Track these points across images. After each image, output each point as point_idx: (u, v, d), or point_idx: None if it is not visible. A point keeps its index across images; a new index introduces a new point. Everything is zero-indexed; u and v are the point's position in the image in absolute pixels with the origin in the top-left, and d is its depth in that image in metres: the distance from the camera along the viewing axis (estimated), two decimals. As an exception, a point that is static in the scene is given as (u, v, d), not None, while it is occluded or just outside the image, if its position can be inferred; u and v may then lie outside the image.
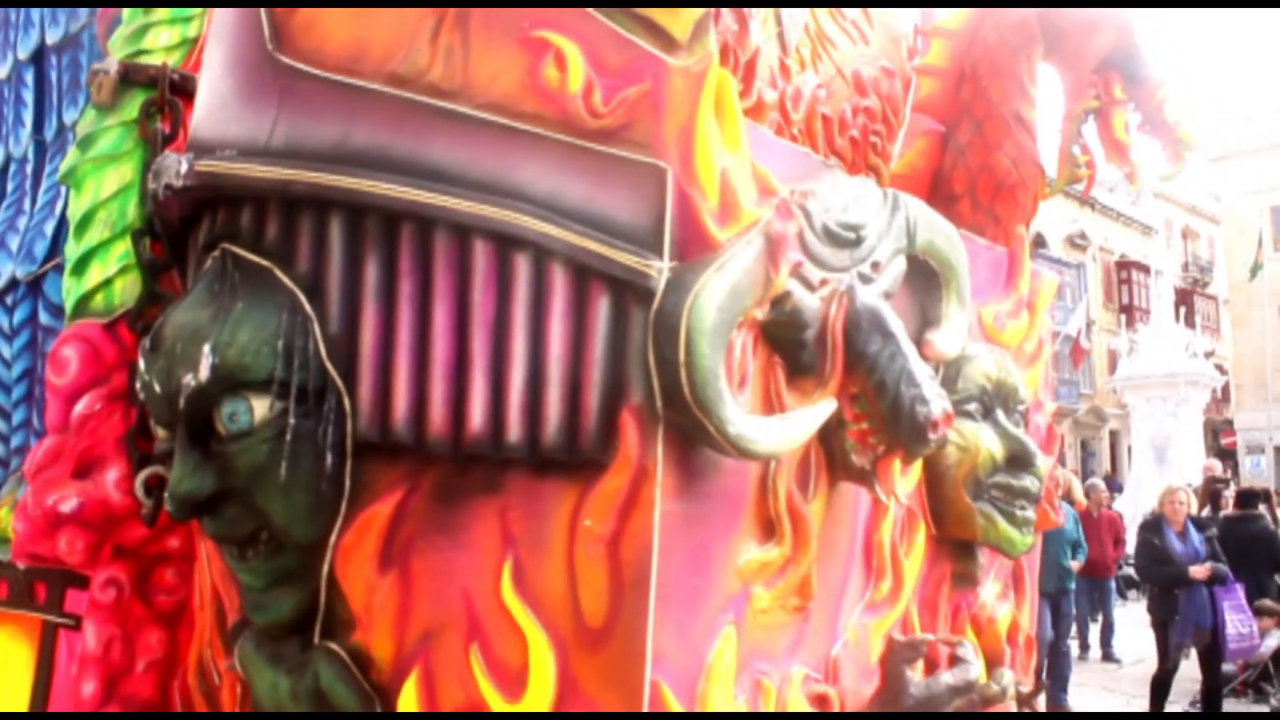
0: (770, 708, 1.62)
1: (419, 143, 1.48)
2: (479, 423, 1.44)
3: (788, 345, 1.62)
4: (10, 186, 2.53)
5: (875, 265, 1.76)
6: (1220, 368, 21.20)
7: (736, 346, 1.49)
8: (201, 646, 1.91)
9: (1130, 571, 11.16)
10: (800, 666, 1.71)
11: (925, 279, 2.01)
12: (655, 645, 1.40)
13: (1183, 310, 18.55)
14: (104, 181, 2.08)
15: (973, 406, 2.16)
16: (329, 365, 1.50)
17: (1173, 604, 6.51)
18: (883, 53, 2.55)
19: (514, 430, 1.43)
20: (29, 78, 2.50)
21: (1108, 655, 8.40)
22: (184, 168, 1.58)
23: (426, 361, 1.46)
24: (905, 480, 2.04)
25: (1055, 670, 6.87)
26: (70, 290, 2.08)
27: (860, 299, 1.68)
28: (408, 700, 1.51)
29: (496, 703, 1.46)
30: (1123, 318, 22.28)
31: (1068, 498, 7.63)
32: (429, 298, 1.47)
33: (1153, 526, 6.91)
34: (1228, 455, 20.74)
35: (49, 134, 2.47)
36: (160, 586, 2.03)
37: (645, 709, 1.39)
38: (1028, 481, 2.16)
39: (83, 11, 2.39)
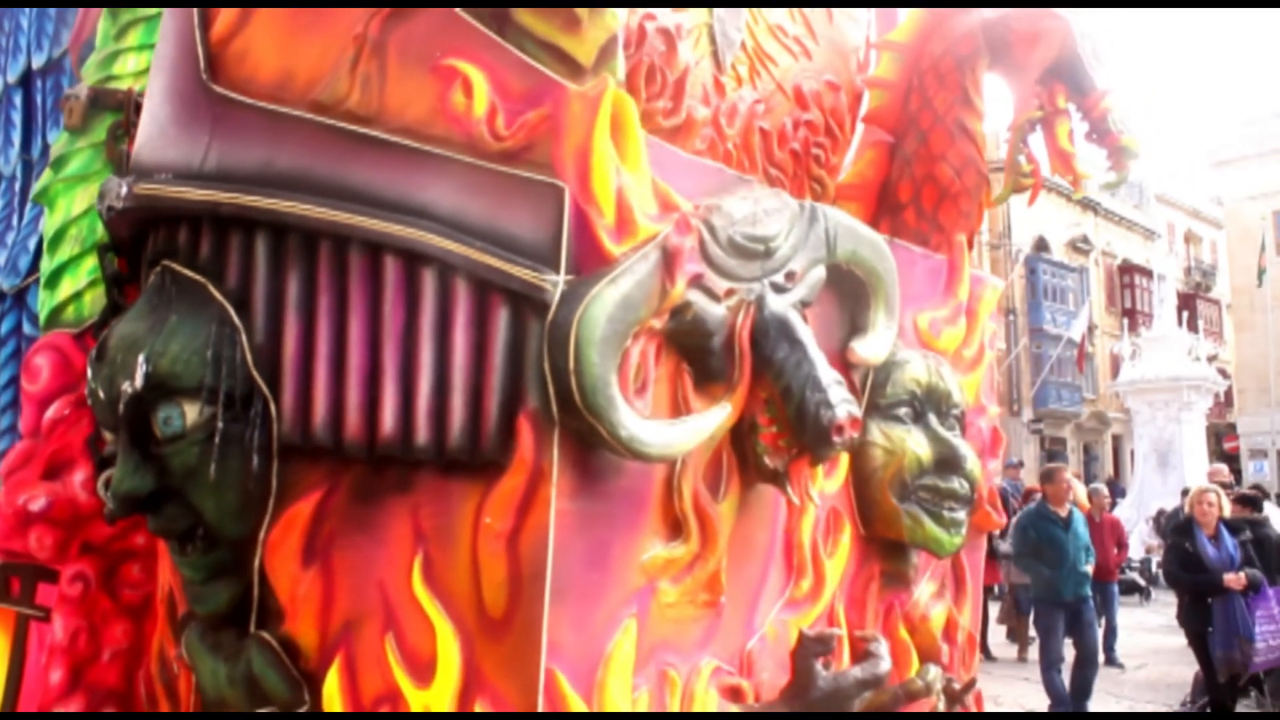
0: (676, 698, 1.70)
1: (337, 165, 1.59)
2: (390, 426, 1.55)
3: (695, 353, 1.70)
4: (0, 204, 2.68)
5: (790, 275, 1.84)
6: (1223, 372, 20.79)
7: (634, 354, 1.58)
8: (162, 637, 2.03)
9: (1134, 575, 11.02)
10: (711, 659, 1.79)
11: (855, 288, 2.09)
12: (552, 636, 1.49)
13: (1185, 314, 18.22)
14: (74, 200, 2.22)
15: (903, 410, 2.22)
16: (255, 373, 1.61)
17: (1205, 614, 5.97)
18: (828, 67, 2.61)
19: (422, 433, 1.54)
20: (17, 100, 2.65)
21: (1111, 660, 8.29)
22: (124, 190, 1.70)
23: (343, 369, 1.57)
24: (831, 481, 2.11)
25: (1078, 684, 6.32)
26: (44, 302, 2.22)
27: (769, 307, 1.76)
28: (331, 687, 1.62)
29: (409, 690, 1.56)
30: (1125, 322, 21.91)
31: (1074, 502, 7.47)
32: (345, 310, 1.58)
33: (1184, 529, 6.29)
34: (1231, 460, 20.29)
35: (35, 154, 2.62)
36: (126, 581, 2.16)
37: (540, 696, 1.48)
38: (956, 483, 2.21)
39: (65, 37, 2.53)
